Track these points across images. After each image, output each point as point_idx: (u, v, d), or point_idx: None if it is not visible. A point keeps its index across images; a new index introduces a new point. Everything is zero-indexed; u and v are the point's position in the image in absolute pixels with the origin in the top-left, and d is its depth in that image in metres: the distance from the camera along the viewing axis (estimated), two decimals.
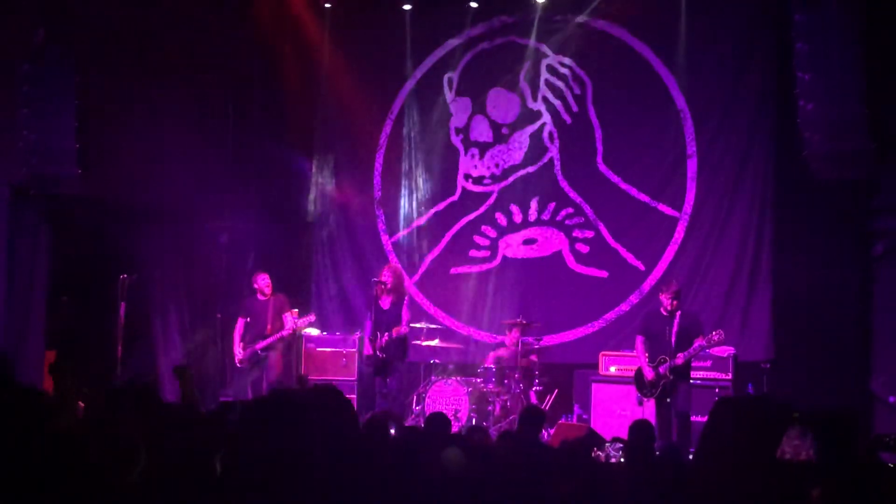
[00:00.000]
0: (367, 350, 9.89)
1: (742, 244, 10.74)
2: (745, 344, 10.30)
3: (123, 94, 9.99)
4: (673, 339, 8.78)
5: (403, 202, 12.27)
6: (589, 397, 10.39)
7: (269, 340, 10.23)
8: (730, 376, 9.94)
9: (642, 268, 11.31)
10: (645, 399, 9.11)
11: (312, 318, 10.36)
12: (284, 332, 10.20)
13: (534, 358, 10.82)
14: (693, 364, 9.08)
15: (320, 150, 12.46)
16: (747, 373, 9.96)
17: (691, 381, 8.98)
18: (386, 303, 9.91)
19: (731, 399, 3.25)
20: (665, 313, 8.88)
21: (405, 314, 9.86)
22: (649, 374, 8.90)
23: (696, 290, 10.73)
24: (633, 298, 11.33)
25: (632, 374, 9.88)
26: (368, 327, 9.97)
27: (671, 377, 8.74)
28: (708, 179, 11.04)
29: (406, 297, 10.00)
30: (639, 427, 6.42)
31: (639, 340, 9.15)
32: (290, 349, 10.87)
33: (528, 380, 10.61)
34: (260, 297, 10.50)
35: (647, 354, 9.04)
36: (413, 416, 10.55)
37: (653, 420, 8.96)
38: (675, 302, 8.82)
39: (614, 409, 10.19)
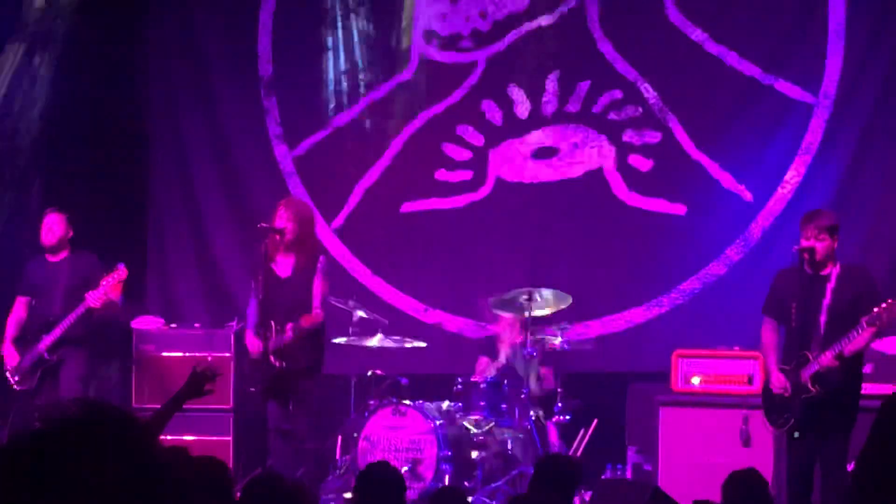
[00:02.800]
0: (253, 350, 9.99)
1: None
2: None
3: None
4: (823, 319, 8.76)
5: (314, 84, 12.42)
6: (654, 432, 10.53)
7: (59, 330, 10.33)
8: None
9: (748, 196, 11.50)
10: (778, 430, 9.02)
11: (122, 272, 10.39)
12: (78, 310, 10.29)
13: (552, 366, 10.97)
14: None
15: None
16: None
17: (858, 397, 8.89)
18: (285, 266, 10.03)
19: None
20: (809, 271, 8.83)
21: (319, 286, 10.00)
22: (779, 383, 8.87)
23: (847, 229, 10.46)
24: (734, 253, 11.51)
25: (730, 388, 10.24)
26: (253, 311, 10.09)
27: (817, 390, 8.68)
28: (866, 36, 11.24)
29: (321, 258, 10.15)
30: (741, 484, 6.50)
31: (767, 326, 9.11)
32: (109, 350, 11.16)
33: (546, 403, 10.73)
34: (49, 256, 10.63)
35: (778, 350, 8.99)
36: (337, 473, 10.63)
37: (768, 472, 9.02)
38: (826, 246, 8.79)
39: (698, 452, 10.31)
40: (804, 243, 8.75)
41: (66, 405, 2.94)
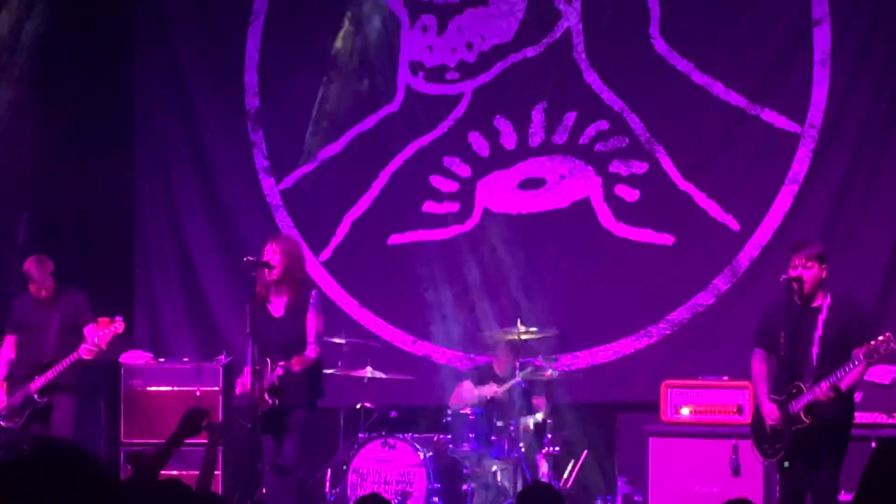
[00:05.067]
0: (238, 391, 9.89)
1: None
2: None
3: None
4: (815, 352, 8.76)
5: (300, 117, 12.37)
6: (644, 463, 10.55)
7: (51, 373, 10.26)
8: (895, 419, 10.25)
9: (736, 226, 11.52)
10: (765, 460, 9.07)
11: (119, 325, 10.27)
12: (70, 358, 10.18)
13: (543, 397, 10.95)
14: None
15: (144, 21, 12.71)
16: None
17: (849, 428, 8.90)
18: (278, 305, 9.93)
19: None
20: (799, 302, 8.86)
21: (313, 321, 9.84)
22: (772, 414, 8.90)
23: (833, 260, 10.47)
24: (721, 283, 11.51)
25: (719, 418, 10.29)
26: (250, 352, 9.86)
27: (809, 421, 8.67)
28: (851, 65, 11.28)
29: (313, 293, 10.01)
30: None
31: (757, 357, 9.13)
32: (94, 388, 11.09)
33: (535, 434, 10.69)
34: (35, 293, 10.53)
35: (769, 381, 9.02)
36: None
37: (759, 502, 9.29)
38: (814, 275, 8.81)
39: (688, 482, 10.37)
40: (792, 273, 8.76)
41: (24, 443, 3.02)
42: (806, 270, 8.73)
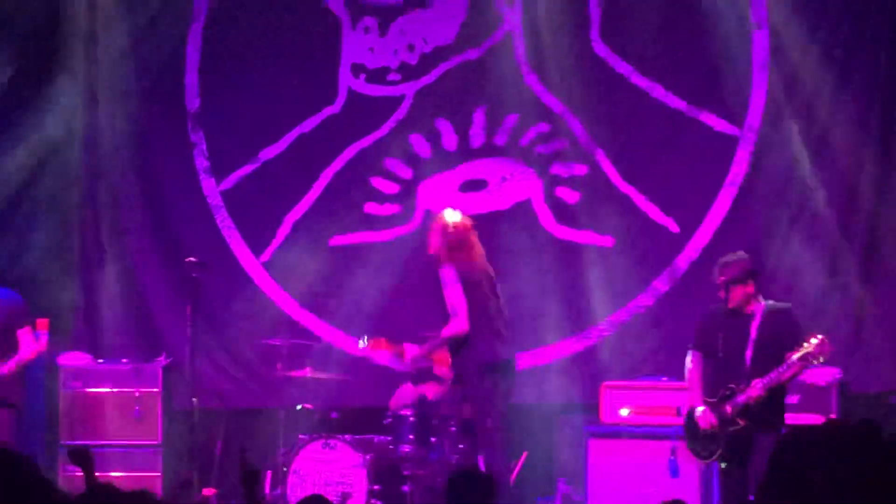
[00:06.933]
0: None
1: (853, 186, 11.10)
2: (859, 363, 10.72)
3: None
4: (748, 355, 8.82)
5: (241, 118, 12.39)
6: (583, 463, 10.63)
7: None
8: (833, 418, 10.26)
9: (675, 228, 11.59)
10: (703, 461, 9.14)
11: (43, 335, 10.17)
12: (10, 365, 10.00)
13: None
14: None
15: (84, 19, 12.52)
16: (863, 411, 10.30)
17: (781, 430, 8.88)
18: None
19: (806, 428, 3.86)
20: (734, 308, 8.93)
21: (446, 296, 9.86)
22: (706, 418, 8.91)
23: (772, 267, 10.90)
24: (661, 284, 11.58)
25: (658, 419, 10.33)
26: None
27: (744, 423, 8.71)
28: (790, 69, 11.35)
29: (441, 269, 9.95)
30: None
31: (693, 359, 9.20)
32: (33, 389, 10.85)
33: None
34: None
35: (703, 384, 9.05)
36: None
37: (696, 503, 9.35)
38: (735, 295, 8.86)
39: (627, 483, 10.44)
40: (724, 286, 8.86)
41: None
42: (726, 293, 8.85)
